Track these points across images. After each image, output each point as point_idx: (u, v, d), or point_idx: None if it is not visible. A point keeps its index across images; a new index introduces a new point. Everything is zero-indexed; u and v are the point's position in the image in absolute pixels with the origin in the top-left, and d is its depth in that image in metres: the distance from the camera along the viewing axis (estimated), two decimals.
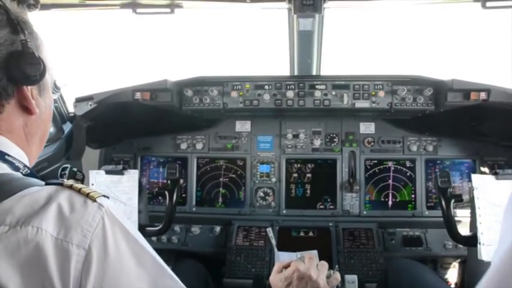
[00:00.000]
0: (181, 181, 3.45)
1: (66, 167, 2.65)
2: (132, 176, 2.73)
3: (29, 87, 1.21)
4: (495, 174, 2.46)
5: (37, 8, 1.35)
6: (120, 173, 2.75)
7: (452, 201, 2.55)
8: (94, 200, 1.10)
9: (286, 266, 1.97)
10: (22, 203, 1.03)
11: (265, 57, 3.79)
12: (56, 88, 1.39)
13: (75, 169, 2.68)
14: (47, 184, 1.14)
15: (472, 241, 2.40)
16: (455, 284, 3.33)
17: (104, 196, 1.15)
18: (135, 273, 1.13)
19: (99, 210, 1.09)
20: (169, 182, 2.74)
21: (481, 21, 3.34)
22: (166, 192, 2.71)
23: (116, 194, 2.70)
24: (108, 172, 2.76)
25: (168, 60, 3.96)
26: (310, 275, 1.86)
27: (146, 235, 2.68)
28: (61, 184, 1.12)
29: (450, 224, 2.55)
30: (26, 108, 1.22)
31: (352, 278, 2.46)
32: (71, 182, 1.15)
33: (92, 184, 2.69)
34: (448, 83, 2.93)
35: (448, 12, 3.34)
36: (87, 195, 1.11)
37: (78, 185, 1.13)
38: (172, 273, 1.28)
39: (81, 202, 1.09)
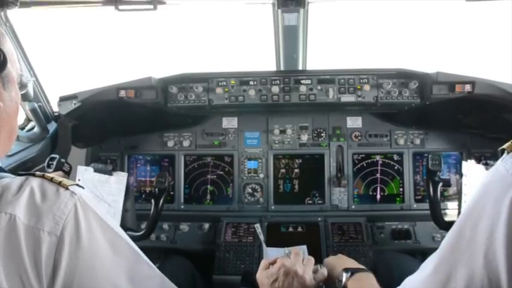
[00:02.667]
0: (169, 178, 3.42)
1: (55, 157, 2.58)
2: (120, 179, 2.63)
3: None
4: (486, 164, 2.43)
5: (16, 6, 1.32)
6: (109, 173, 2.66)
7: (440, 184, 2.55)
8: (66, 188, 1.10)
9: (273, 263, 1.97)
10: None
11: (252, 53, 3.76)
12: (22, 83, 1.37)
13: (63, 160, 2.62)
14: (18, 175, 1.14)
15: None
16: None
17: (77, 185, 1.15)
18: (110, 260, 1.13)
19: (72, 198, 1.09)
20: (157, 189, 2.64)
21: (466, 13, 3.34)
22: (153, 200, 2.63)
23: (102, 193, 2.64)
24: (96, 170, 2.67)
25: (152, 57, 3.93)
26: (296, 271, 1.86)
27: None
28: (33, 174, 1.12)
29: (435, 207, 2.55)
30: None
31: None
32: (41, 173, 1.15)
33: (79, 180, 2.61)
34: (433, 75, 2.92)
35: (433, 4, 3.33)
36: (60, 184, 1.11)
37: (50, 175, 1.13)
38: (148, 260, 1.28)
39: (53, 190, 1.09)
